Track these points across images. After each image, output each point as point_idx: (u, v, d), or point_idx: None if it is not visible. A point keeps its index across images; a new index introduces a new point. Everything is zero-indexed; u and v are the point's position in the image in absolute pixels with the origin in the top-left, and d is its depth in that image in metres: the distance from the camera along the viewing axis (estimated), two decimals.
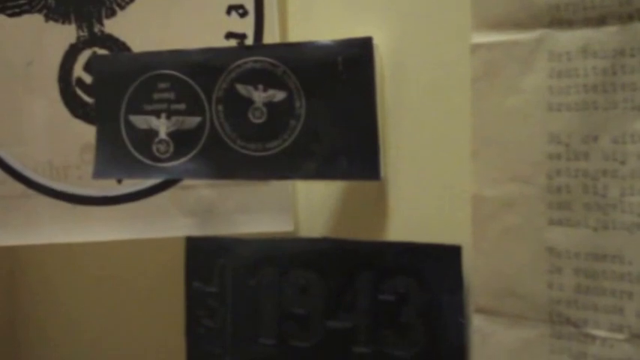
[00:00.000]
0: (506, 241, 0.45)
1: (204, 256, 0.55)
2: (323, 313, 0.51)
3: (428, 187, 0.50)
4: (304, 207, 0.56)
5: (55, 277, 0.69)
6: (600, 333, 0.42)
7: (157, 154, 0.54)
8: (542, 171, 0.43)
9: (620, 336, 0.41)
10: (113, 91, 0.55)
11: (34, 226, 0.60)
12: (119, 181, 0.59)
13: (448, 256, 0.48)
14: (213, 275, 0.55)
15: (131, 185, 0.59)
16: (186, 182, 0.57)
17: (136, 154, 0.55)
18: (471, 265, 0.47)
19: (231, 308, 0.54)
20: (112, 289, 0.67)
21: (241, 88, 0.52)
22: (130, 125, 0.54)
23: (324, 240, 0.52)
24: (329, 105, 0.50)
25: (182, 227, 0.58)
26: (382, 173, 0.50)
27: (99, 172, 0.56)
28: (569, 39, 0.42)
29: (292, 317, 0.52)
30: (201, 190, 0.58)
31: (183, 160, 0.54)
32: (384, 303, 0.50)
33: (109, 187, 0.59)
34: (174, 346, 0.58)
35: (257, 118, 0.52)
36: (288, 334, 0.52)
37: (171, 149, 0.54)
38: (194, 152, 0.54)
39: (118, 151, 0.55)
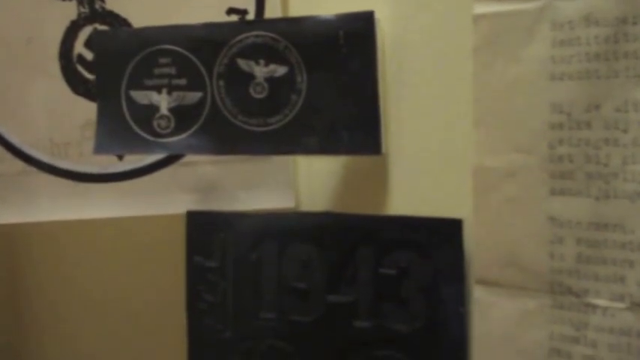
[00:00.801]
0: (507, 211, 0.45)
1: (205, 231, 0.55)
2: (324, 287, 0.51)
3: (429, 161, 0.50)
4: (305, 182, 0.56)
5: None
6: (601, 302, 0.42)
7: (158, 129, 0.54)
8: (544, 141, 0.43)
9: (622, 305, 0.41)
10: (114, 67, 0.54)
11: (34, 203, 0.60)
12: (120, 158, 0.59)
13: (449, 230, 0.48)
14: (214, 250, 0.55)
15: (132, 162, 0.59)
16: (187, 159, 0.57)
17: (137, 130, 0.54)
18: (472, 239, 0.47)
19: (232, 283, 0.54)
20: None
21: (242, 63, 0.52)
22: (130, 101, 0.54)
23: (325, 214, 0.52)
24: (330, 80, 0.50)
25: (183, 204, 0.57)
26: (383, 148, 0.50)
27: (100, 148, 0.55)
28: (571, 8, 0.42)
29: (293, 291, 0.52)
30: (202, 167, 0.58)
31: (184, 135, 0.54)
32: (386, 277, 0.50)
33: (109, 164, 0.59)
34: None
35: (258, 93, 0.52)
36: (289, 309, 0.52)
37: (172, 125, 0.54)
38: (195, 128, 0.53)
39: (118, 126, 0.55)
